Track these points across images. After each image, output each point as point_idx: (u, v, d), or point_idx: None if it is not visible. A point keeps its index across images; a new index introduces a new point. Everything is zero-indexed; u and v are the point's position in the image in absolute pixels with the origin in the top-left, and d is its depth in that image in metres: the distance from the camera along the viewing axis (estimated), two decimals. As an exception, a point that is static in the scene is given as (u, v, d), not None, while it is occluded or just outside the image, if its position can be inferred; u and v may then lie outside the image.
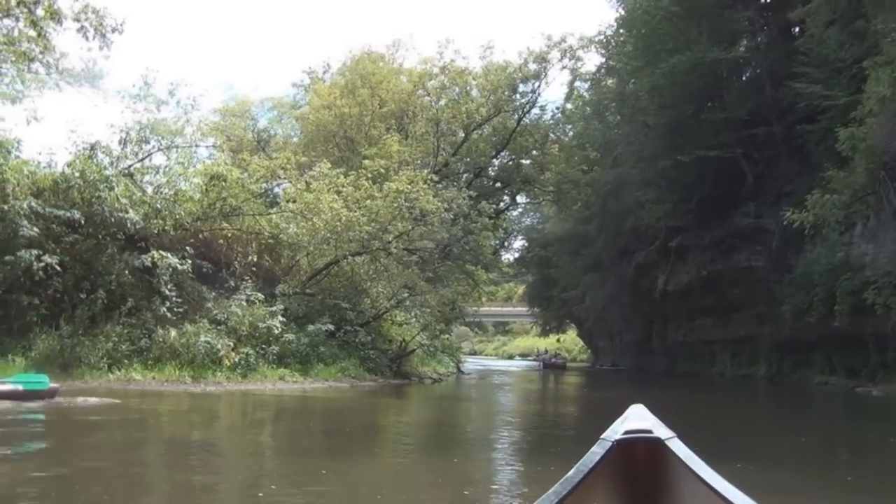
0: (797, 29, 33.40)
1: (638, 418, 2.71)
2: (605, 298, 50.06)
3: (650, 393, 25.39)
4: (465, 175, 38.34)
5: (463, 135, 35.28)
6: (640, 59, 36.37)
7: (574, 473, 2.37)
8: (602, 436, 2.56)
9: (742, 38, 36.39)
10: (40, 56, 17.43)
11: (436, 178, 25.39)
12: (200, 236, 18.64)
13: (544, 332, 76.91)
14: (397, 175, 22.17)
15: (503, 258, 70.61)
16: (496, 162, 40.47)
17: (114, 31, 15.88)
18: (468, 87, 36.03)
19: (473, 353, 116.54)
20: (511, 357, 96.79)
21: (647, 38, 36.03)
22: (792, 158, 31.66)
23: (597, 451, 2.47)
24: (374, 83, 34.16)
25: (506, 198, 45.11)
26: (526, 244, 66.82)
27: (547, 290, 64.11)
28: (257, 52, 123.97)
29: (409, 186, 21.43)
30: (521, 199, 50.26)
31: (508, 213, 57.82)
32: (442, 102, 35.71)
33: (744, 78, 37.06)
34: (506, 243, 63.97)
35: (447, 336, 32.93)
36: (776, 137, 32.33)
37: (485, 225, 26.60)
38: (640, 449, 2.54)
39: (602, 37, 41.95)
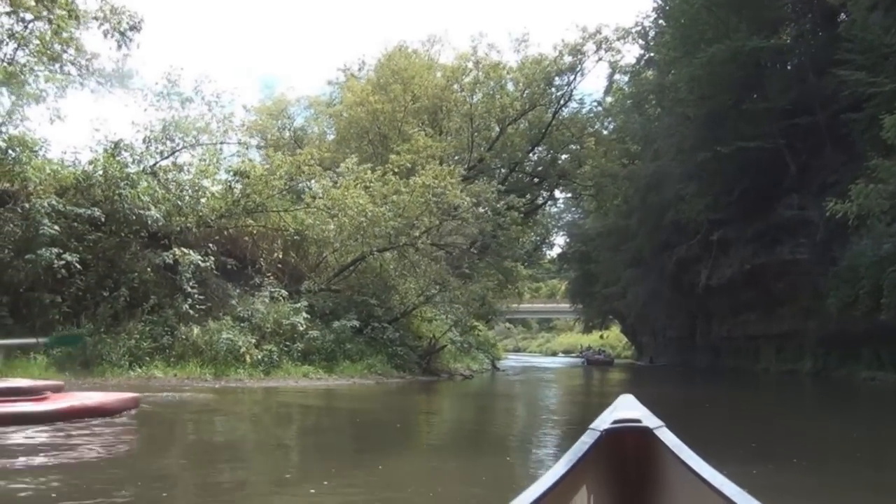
0: (841, 15, 32.47)
1: (627, 408, 2.80)
2: (647, 294, 49.49)
3: (693, 390, 25.02)
4: (500, 170, 38.14)
5: (498, 129, 35.06)
6: (678, 50, 35.77)
7: (564, 462, 2.39)
8: (591, 425, 2.62)
9: (783, 25, 35.52)
10: (70, 57, 17.82)
11: (464, 171, 25.20)
12: (225, 233, 18.69)
13: (587, 329, 76.35)
14: (424, 170, 22.07)
15: (546, 255, 70.72)
16: (533, 157, 40.19)
17: (132, 28, 16.10)
18: (503, 82, 35.82)
19: (517, 349, 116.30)
20: (554, 354, 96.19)
21: (685, 27, 35.44)
22: (836, 148, 30.83)
23: (586, 441, 2.52)
24: (406, 79, 34.14)
25: (543, 193, 44.75)
26: (567, 240, 66.50)
27: (589, 286, 63.52)
28: (297, 50, 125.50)
29: (436, 181, 21.33)
30: (559, 194, 49.94)
31: (548, 209, 57.63)
32: (476, 97, 35.54)
33: (786, 67, 36.16)
34: (547, 240, 63.88)
35: (479, 332, 32.71)
36: (820, 127, 31.50)
37: (514, 219, 26.33)
38: (630, 438, 2.60)
39: (640, 28, 41.38)
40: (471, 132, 33.89)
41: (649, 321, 57.41)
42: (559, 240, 68.08)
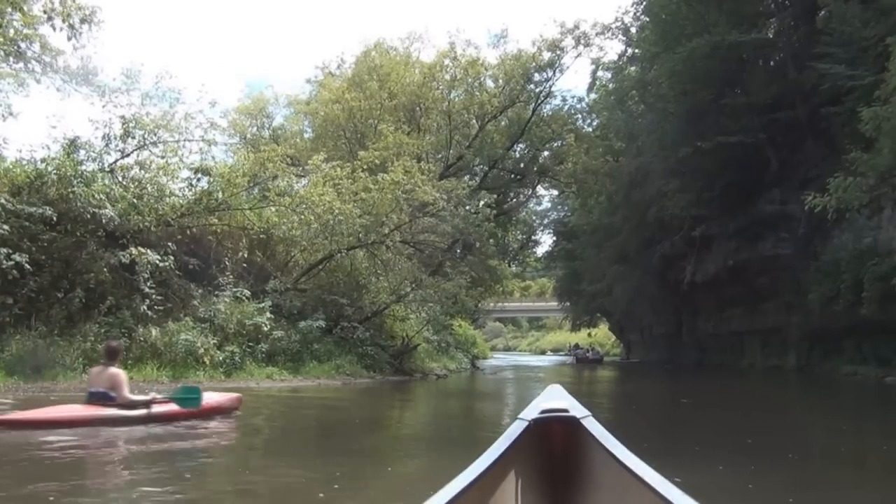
0: (822, 11, 32.35)
1: (555, 398, 2.84)
2: (633, 291, 49.32)
3: (670, 386, 24.80)
4: (480, 168, 37.84)
5: (477, 126, 34.74)
6: (659, 45, 35.60)
7: (491, 453, 2.39)
8: (519, 415, 2.65)
9: (764, 19, 35.39)
10: (35, 53, 17.46)
11: (438, 169, 24.86)
12: (188, 232, 18.19)
13: (575, 327, 76.07)
14: (393, 166, 21.69)
15: (535, 253, 70.56)
16: (514, 154, 39.85)
17: (83, 21, 15.73)
18: (481, 78, 35.50)
19: (507, 348, 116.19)
20: (543, 352, 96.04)
21: (665, 22, 35.27)
22: (817, 142, 30.73)
23: (513, 431, 2.54)
24: (382, 75, 33.75)
25: (525, 191, 44.47)
26: (554, 238, 66.37)
27: (575, 284, 63.29)
28: (285, 51, 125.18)
29: (406, 177, 20.97)
30: (544, 191, 49.69)
31: (533, 207, 57.46)
32: (454, 94, 35.19)
33: (767, 61, 36.02)
34: (532, 237, 63.74)
35: (457, 330, 32.31)
36: (800, 121, 31.40)
37: (487, 216, 26.00)
38: (557, 428, 2.63)
39: (619, 23, 41.17)
40: (449, 129, 33.55)
41: (636, 318, 57.31)
42: (546, 238, 68.03)
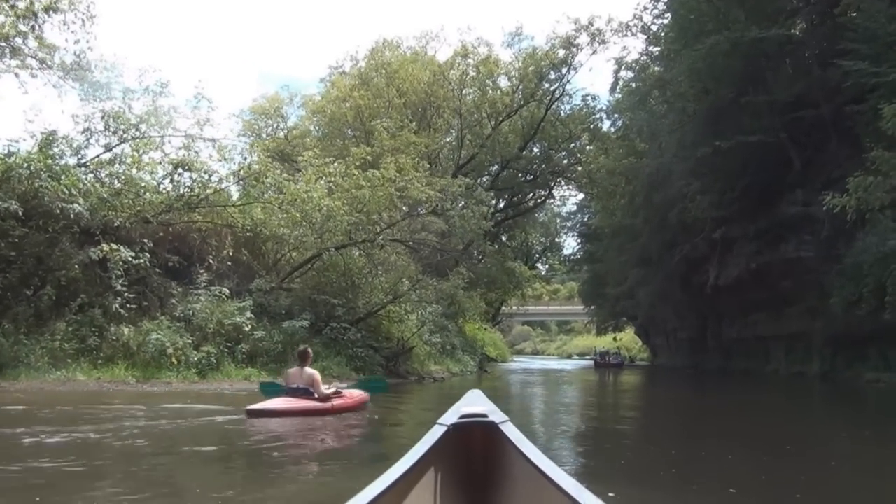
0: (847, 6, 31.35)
1: (474, 403, 2.96)
2: (656, 294, 48.48)
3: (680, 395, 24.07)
4: (493, 167, 37.28)
5: (490, 126, 34.17)
6: (678, 42, 34.84)
7: (409, 457, 2.41)
8: (439, 420, 2.71)
9: (786, 15, 34.42)
10: (31, 50, 17.36)
11: (428, 165, 24.33)
12: (171, 229, 17.82)
13: (600, 331, 75.23)
14: (386, 163, 21.17)
15: (560, 255, 69.89)
16: (530, 154, 39.15)
17: (48, 10, 15.56)
18: (494, 76, 34.93)
19: (535, 352, 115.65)
20: (570, 356, 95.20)
21: (686, 19, 34.50)
22: (842, 142, 29.72)
23: (432, 436, 2.59)
24: (389, 72, 33.28)
25: (540, 192, 43.79)
26: (578, 241, 65.73)
27: (600, 287, 62.46)
28: (304, 49, 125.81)
29: (399, 174, 20.45)
30: (567, 193, 49.03)
31: (556, 209, 56.82)
32: (466, 92, 34.63)
33: (788, 58, 35.02)
34: (556, 239, 63.12)
35: (455, 333, 31.56)
36: (824, 120, 30.38)
37: (483, 214, 25.37)
38: (476, 432, 2.69)
39: (638, 21, 40.43)
40: (461, 128, 33.02)
41: (660, 322, 56.38)
42: (571, 241, 67.40)
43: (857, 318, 26.26)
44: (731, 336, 43.46)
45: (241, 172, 18.92)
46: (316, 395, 10.74)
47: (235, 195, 19.60)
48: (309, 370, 11.05)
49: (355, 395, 12.10)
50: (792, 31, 33.66)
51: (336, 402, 11.07)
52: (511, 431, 2.62)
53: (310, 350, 11.58)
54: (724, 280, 38.42)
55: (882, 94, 24.23)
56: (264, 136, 38.38)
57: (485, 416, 2.71)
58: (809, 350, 33.34)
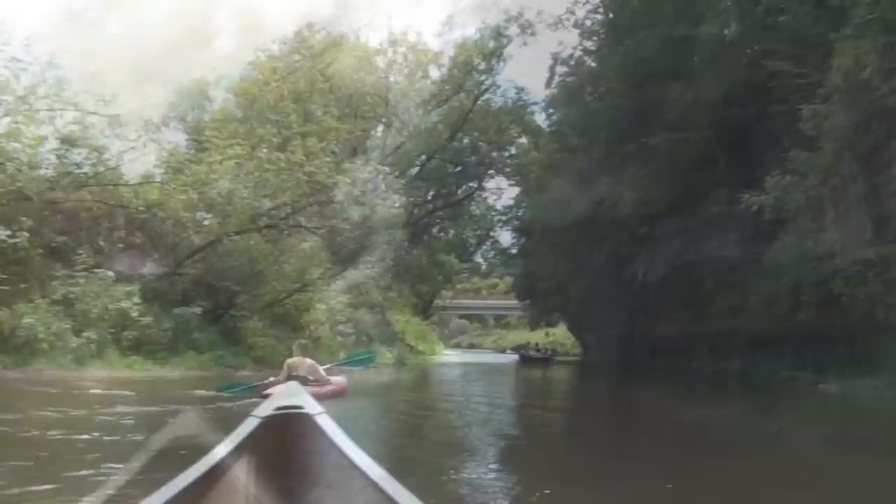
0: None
1: (290, 395, 2.93)
2: (586, 290, 48.52)
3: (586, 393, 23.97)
4: (422, 157, 36.63)
5: (419, 115, 33.54)
6: (609, 38, 34.76)
7: (220, 449, 2.43)
8: (253, 412, 2.74)
9: (714, 13, 34.54)
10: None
11: (337, 151, 23.65)
12: (58, 208, 16.89)
13: (533, 326, 75.31)
14: (293, 146, 20.37)
15: (496, 249, 69.66)
16: (465, 144, 38.68)
17: None
18: (424, 65, 34.31)
19: (472, 346, 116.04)
20: (503, 350, 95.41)
21: (616, 15, 34.44)
22: (766, 141, 29.95)
23: (245, 428, 2.64)
24: (313, 55, 32.32)
25: (469, 184, 43.41)
26: (513, 235, 65.46)
27: (533, 282, 62.29)
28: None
29: (305, 158, 19.66)
30: (490, 185, 48.56)
31: (491, 202, 56.43)
32: (393, 80, 33.96)
33: (716, 57, 35.17)
34: (491, 233, 62.85)
35: (370, 323, 30.86)
36: (750, 120, 30.60)
37: (392, 203, 24.85)
38: (292, 424, 2.71)
39: (570, 15, 40.29)
40: (387, 117, 32.32)
41: (591, 318, 56.47)
42: (506, 235, 67.07)
43: (774, 318, 26.53)
44: (657, 333, 43.64)
45: (134, 150, 17.88)
46: (316, 382, 11.59)
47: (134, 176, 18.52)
48: (308, 360, 12.16)
49: (340, 381, 13.07)
50: (717, 28, 33.75)
51: (329, 387, 11.96)
52: (326, 423, 2.65)
53: (309, 343, 13.27)
54: (652, 277, 38.61)
55: (805, 94, 24.41)
56: (189, 118, 37.08)
57: (300, 407, 2.72)
58: (731, 348, 33.63)
